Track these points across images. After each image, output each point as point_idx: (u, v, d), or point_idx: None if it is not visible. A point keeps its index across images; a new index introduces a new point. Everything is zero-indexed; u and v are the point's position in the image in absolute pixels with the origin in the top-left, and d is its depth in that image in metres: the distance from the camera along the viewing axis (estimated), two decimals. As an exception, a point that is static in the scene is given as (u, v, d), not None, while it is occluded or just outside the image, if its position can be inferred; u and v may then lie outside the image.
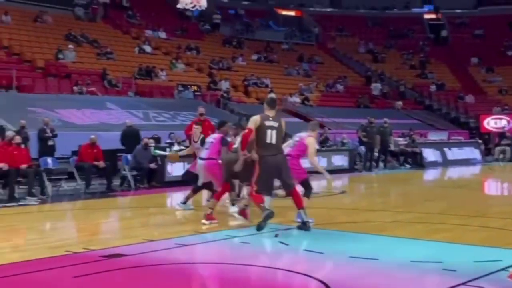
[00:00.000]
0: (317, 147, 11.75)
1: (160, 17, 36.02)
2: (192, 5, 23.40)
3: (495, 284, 5.93)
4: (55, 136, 16.30)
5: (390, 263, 6.87)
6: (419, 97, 37.73)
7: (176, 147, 16.79)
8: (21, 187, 13.45)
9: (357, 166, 22.07)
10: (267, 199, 8.68)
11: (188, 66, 31.59)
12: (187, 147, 16.86)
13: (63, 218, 11.42)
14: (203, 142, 10.85)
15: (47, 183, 13.71)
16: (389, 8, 45.36)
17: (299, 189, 9.41)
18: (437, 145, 25.57)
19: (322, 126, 11.72)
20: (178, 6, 24.48)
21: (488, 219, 10.38)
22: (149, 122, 21.90)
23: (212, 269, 6.71)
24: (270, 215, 8.53)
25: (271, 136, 8.55)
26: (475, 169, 24.24)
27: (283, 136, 9.05)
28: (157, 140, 18.21)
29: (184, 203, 11.30)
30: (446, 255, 7.20)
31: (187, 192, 11.37)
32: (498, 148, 27.71)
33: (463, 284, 5.84)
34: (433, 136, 28.10)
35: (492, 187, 18.92)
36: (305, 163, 9.87)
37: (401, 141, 24.22)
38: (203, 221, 9.34)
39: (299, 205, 8.84)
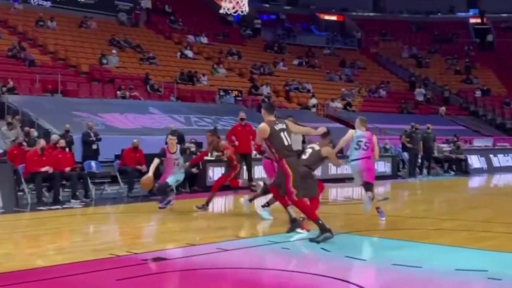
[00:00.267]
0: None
1: (202, 22, 36.29)
2: (234, 10, 23.46)
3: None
4: (99, 140, 16.52)
5: (434, 271, 6.74)
6: (464, 102, 37.13)
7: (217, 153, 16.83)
8: (65, 190, 13.67)
9: (401, 173, 21.79)
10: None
11: (230, 71, 31.74)
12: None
13: (106, 221, 11.56)
14: (182, 153, 11.67)
15: (91, 186, 13.89)
16: (433, 13, 44.79)
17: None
18: (483, 152, 25.09)
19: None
20: (220, 11, 24.62)
21: (536, 227, 10.10)
22: (190, 126, 22.05)
23: (252, 275, 6.69)
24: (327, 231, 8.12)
25: (286, 138, 8.43)
26: (522, 176, 23.69)
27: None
28: (199, 144, 18.30)
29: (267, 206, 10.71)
30: (491, 263, 7.04)
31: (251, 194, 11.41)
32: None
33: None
34: (478, 143, 27.57)
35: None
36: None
37: (446, 147, 23.84)
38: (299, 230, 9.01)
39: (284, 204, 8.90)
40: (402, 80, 39.24)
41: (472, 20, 45.10)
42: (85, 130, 16.66)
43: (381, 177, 19.93)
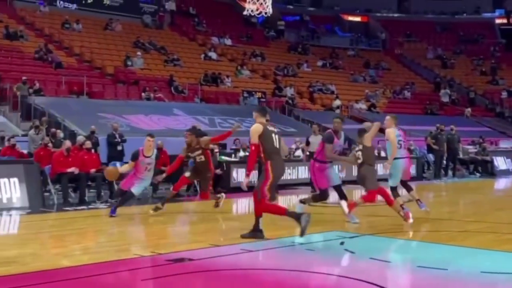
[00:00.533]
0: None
1: (225, 24, 36.41)
2: (257, 12, 23.51)
3: None
4: (124, 141, 16.65)
5: (459, 273, 6.69)
6: (490, 104, 36.73)
7: (241, 153, 16.91)
8: (91, 191, 13.79)
9: (426, 174, 21.62)
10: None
11: (253, 73, 31.79)
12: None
13: (131, 221, 11.63)
14: (157, 158, 11.12)
15: (116, 187, 13.99)
16: (458, 13, 44.38)
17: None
18: (509, 153, 24.80)
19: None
20: (244, 13, 24.70)
21: None
22: (214, 128, 22.11)
23: (277, 276, 6.68)
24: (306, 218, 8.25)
25: (277, 140, 8.41)
26: (549, 179, 23.36)
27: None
28: (223, 146, 18.35)
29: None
30: (519, 266, 6.95)
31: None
32: None
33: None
34: (505, 144, 27.29)
35: None
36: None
37: (471, 149, 23.62)
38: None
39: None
40: (427, 81, 38.95)
41: (498, 21, 44.60)
42: (110, 132, 16.80)
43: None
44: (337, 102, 30.28)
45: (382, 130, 11.13)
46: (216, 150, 16.61)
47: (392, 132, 10.39)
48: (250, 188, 8.52)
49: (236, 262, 7.21)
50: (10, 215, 11.65)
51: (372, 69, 38.03)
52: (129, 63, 26.70)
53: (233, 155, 17.14)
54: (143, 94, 24.17)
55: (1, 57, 24.01)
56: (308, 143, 16.35)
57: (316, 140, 16.23)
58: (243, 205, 14.37)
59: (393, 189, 10.44)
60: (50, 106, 20.32)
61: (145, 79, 25.90)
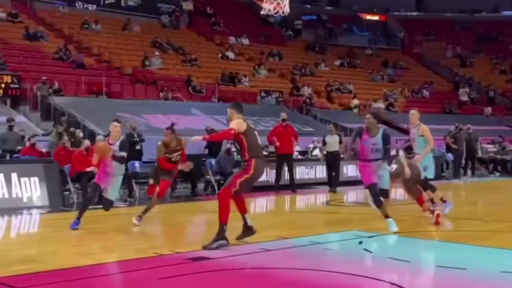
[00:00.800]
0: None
1: (243, 23, 36.43)
2: (275, 11, 23.49)
3: None
4: (142, 140, 16.72)
5: (479, 273, 6.64)
6: (510, 103, 36.36)
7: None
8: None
9: (445, 174, 21.49)
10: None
11: (271, 72, 31.78)
12: (271, 153, 17.01)
13: (150, 220, 11.68)
14: (122, 148, 9.62)
15: (134, 186, 14.08)
16: (477, 11, 43.98)
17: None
18: (529, 153, 24.54)
19: (406, 132, 11.54)
20: (261, 12, 24.69)
21: None
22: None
23: (295, 275, 6.69)
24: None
25: (258, 138, 8.03)
26: None
27: None
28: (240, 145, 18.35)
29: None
30: (540, 266, 6.89)
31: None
32: None
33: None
34: (525, 143, 26.95)
35: None
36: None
37: (491, 148, 23.44)
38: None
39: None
40: (446, 80, 38.68)
41: (518, 19, 44.15)
42: (128, 131, 16.87)
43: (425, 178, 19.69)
44: (355, 102, 30.18)
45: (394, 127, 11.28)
46: (233, 149, 16.63)
47: (428, 129, 10.58)
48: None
49: (254, 261, 7.22)
50: (31, 214, 11.78)
51: (391, 68, 37.84)
52: (147, 63, 26.83)
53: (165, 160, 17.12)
54: (161, 94, 24.28)
55: (21, 57, 24.24)
56: (324, 143, 16.35)
57: (332, 139, 16.24)
58: (260, 204, 14.39)
59: (429, 180, 10.69)
60: (70, 106, 20.48)
61: (163, 79, 26.00)
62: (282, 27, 38.65)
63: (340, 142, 16.22)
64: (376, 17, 44.67)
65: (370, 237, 8.74)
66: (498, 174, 22.68)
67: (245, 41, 34.45)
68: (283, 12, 23.89)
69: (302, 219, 10.53)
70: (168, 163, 10.47)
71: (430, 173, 10.65)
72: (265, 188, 15.87)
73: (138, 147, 16.54)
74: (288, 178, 16.22)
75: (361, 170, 9.24)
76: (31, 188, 12.43)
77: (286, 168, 16.29)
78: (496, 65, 39.80)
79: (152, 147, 16.73)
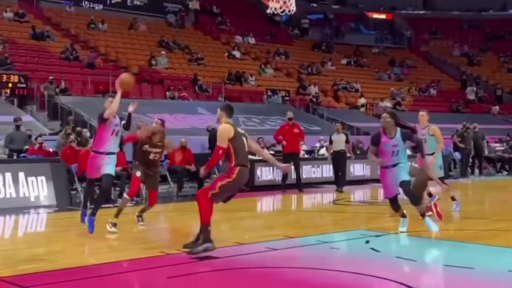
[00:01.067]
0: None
1: (249, 22, 36.43)
2: (281, 10, 23.49)
3: None
4: (149, 139, 16.70)
5: (486, 272, 6.62)
6: (518, 101, 36.26)
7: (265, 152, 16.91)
8: (116, 189, 13.91)
9: (452, 173, 21.44)
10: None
11: (277, 71, 31.76)
12: (277, 152, 17.01)
13: (157, 220, 11.70)
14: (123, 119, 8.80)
15: (141, 185, 14.07)
16: (485, 10, 43.83)
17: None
18: (537, 151, 24.45)
19: (414, 131, 11.67)
20: (268, 11, 24.68)
21: None
22: (238, 127, 22.14)
23: (301, 274, 6.68)
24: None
25: (245, 144, 7.43)
26: None
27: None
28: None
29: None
30: (547, 266, 6.86)
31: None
32: None
33: None
34: (532, 142, 26.84)
35: None
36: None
37: (498, 147, 23.38)
38: None
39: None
40: (453, 78, 38.57)
41: (525, 17, 44.00)
42: (134, 131, 16.88)
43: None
44: (362, 101, 30.13)
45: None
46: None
47: (438, 128, 10.75)
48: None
49: (261, 260, 7.21)
50: (38, 213, 11.82)
51: (397, 66, 37.77)
52: (153, 62, 26.86)
53: (256, 154, 17.14)
54: (167, 93, 24.31)
55: (28, 57, 24.32)
56: (331, 142, 16.32)
57: (339, 138, 16.21)
58: (267, 203, 14.39)
59: (444, 178, 11.15)
60: (76, 105, 20.52)
61: (170, 78, 26.03)
62: (288, 26, 38.62)
63: (347, 141, 16.20)
64: (383, 16, 44.57)
65: (377, 236, 8.72)
66: (505, 173, 22.61)
67: (252, 40, 34.44)
68: (289, 11, 23.91)
69: (309, 218, 10.52)
70: (146, 158, 9.67)
71: (443, 172, 11.15)
72: (272, 187, 15.88)
73: (144, 146, 16.54)
74: (295, 177, 16.21)
75: (382, 179, 8.79)
76: (38, 188, 12.47)
77: (292, 167, 16.28)
78: (504, 64, 39.66)
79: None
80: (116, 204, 12.64)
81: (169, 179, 15.10)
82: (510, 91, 36.83)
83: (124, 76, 9.30)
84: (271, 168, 16.56)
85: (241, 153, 7.32)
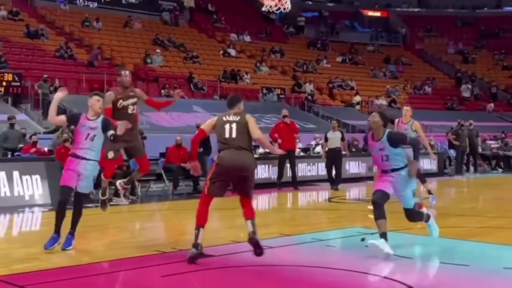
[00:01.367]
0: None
1: (244, 20, 36.40)
2: (276, 8, 23.49)
3: None
4: (144, 138, 16.65)
5: (481, 269, 6.64)
6: (512, 98, 36.35)
7: (261, 150, 16.92)
8: (111, 187, 13.85)
9: (447, 170, 21.48)
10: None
11: (273, 69, 31.75)
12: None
13: (152, 218, 11.70)
14: (106, 126, 7.66)
15: (136, 184, 14.06)
16: (479, 7, 43.92)
17: None
18: (531, 149, 24.52)
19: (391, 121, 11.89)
20: (263, 9, 24.68)
21: None
22: (234, 116, 22.15)
23: (297, 272, 6.68)
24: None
25: (231, 131, 7.03)
26: None
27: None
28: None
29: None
30: (542, 262, 6.87)
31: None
32: None
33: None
34: (527, 139, 26.92)
35: None
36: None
37: (493, 144, 23.42)
38: None
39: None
40: (448, 76, 38.64)
41: (520, 14, 44.10)
42: (130, 129, 16.85)
43: (427, 174, 19.68)
44: (357, 98, 30.15)
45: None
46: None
47: (420, 125, 11.03)
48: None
49: (256, 258, 7.19)
50: (33, 212, 11.78)
51: (392, 64, 37.80)
52: (148, 60, 26.82)
53: (256, 141, 17.15)
54: (162, 91, 24.26)
55: (22, 55, 24.25)
56: (326, 139, 16.31)
57: (334, 136, 16.20)
58: (263, 201, 14.38)
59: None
60: (71, 103, 20.39)
61: (165, 77, 25.99)
62: (283, 23, 38.60)
63: (342, 139, 16.20)
64: (377, 13, 44.59)
65: (372, 234, 8.70)
66: (500, 170, 22.66)
67: (247, 38, 34.42)
68: (284, 9, 23.93)
69: (304, 216, 10.52)
70: (126, 114, 8.32)
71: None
72: (267, 185, 15.87)
73: (140, 144, 16.53)
74: (290, 175, 16.20)
75: (375, 182, 7.91)
76: (32, 186, 12.43)
77: (288, 165, 16.28)
78: (499, 61, 39.74)
79: (154, 145, 16.80)
80: (110, 203, 12.62)
81: (165, 177, 15.07)
82: (505, 89, 36.91)
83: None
84: (266, 166, 16.55)
85: (221, 139, 7.08)
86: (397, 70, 37.18)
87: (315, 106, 28.04)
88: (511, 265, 6.66)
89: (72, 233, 7.63)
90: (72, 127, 8.69)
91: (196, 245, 6.78)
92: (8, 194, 12.10)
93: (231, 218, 11.15)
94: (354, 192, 16.32)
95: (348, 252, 7.92)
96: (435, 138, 23.06)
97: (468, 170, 21.30)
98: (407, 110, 11.56)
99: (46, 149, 14.87)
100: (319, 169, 18.01)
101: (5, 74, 20.76)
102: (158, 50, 27.69)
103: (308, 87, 29.71)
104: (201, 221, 6.95)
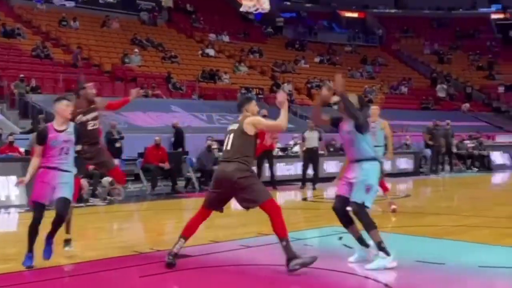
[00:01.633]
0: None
1: (223, 20, 36.38)
2: (255, 9, 23.50)
3: None
4: (122, 138, 16.67)
5: (457, 268, 6.73)
6: (487, 99, 36.77)
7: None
8: (90, 188, 13.80)
9: (423, 169, 21.69)
10: None
11: (251, 69, 31.78)
12: None
13: (130, 218, 11.67)
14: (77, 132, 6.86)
15: (115, 184, 14.01)
16: (455, 9, 44.41)
17: None
18: (505, 148, 24.92)
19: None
20: (241, 9, 24.68)
21: (561, 224, 10.01)
22: (213, 124, 22.16)
23: (275, 271, 6.72)
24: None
25: (227, 142, 6.83)
26: (546, 173, 23.45)
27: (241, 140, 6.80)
28: (221, 142, 18.35)
29: None
30: (516, 260, 7.00)
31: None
32: None
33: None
34: (501, 139, 27.38)
35: None
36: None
37: (468, 143, 23.69)
38: None
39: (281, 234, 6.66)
40: (424, 76, 39.00)
41: (494, 16, 44.66)
42: (108, 129, 16.81)
43: (403, 173, 19.90)
44: (335, 98, 30.20)
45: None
46: (214, 146, 16.64)
47: (389, 125, 11.07)
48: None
49: (235, 258, 7.24)
50: (9, 213, 11.69)
51: (369, 65, 38.06)
52: (126, 60, 26.70)
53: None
54: (141, 91, 24.15)
55: (-2, 55, 24.00)
56: (304, 139, 16.37)
57: (312, 135, 16.28)
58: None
59: None
60: (48, 103, 20.20)
61: (143, 76, 25.90)
62: (262, 24, 38.66)
63: (320, 138, 16.28)
64: (355, 14, 44.87)
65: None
66: (475, 169, 22.92)
67: (226, 38, 34.41)
68: (263, 9, 23.92)
69: (289, 215, 10.54)
70: (85, 130, 7.56)
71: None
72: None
73: (118, 144, 16.50)
74: (269, 174, 16.24)
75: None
76: (9, 187, 12.31)
77: (267, 165, 16.32)
78: (473, 62, 40.23)
79: (132, 145, 16.77)
80: (88, 204, 12.59)
81: (143, 177, 15.03)
82: (479, 89, 37.36)
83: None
84: (219, 173, 16.57)
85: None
86: (373, 70, 37.45)
87: (294, 106, 28.12)
88: (486, 264, 6.75)
89: (52, 242, 6.83)
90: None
91: (169, 253, 6.60)
92: (-16, 194, 11.99)
93: (210, 218, 11.16)
94: (331, 191, 16.40)
95: (325, 251, 7.98)
96: (411, 137, 23.30)
97: (443, 169, 21.53)
98: (374, 109, 11.64)
99: (22, 149, 14.75)
100: (298, 168, 18.08)
101: (-19, 73, 20.55)
102: (136, 50, 27.58)
103: (286, 87, 29.79)
104: (185, 232, 6.80)
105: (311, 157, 16.26)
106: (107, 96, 22.95)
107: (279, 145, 19.20)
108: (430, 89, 36.59)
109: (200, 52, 31.21)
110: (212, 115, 23.08)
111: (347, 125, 7.06)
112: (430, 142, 21.18)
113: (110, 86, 24.44)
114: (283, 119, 6.95)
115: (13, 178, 12.33)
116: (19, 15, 28.67)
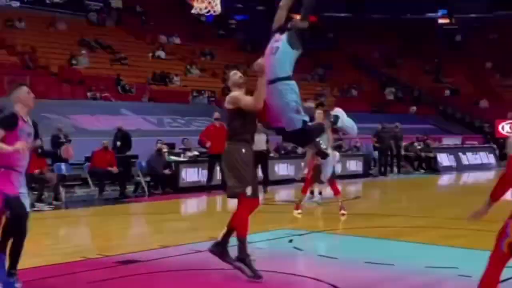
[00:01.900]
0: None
1: (174, 22, 36.11)
2: (206, 10, 23.39)
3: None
4: (69, 141, 16.33)
5: (405, 268, 6.82)
6: (434, 102, 37.56)
7: (190, 153, 16.87)
8: (34, 193, 13.47)
9: (372, 171, 21.98)
10: None
11: (203, 72, 31.64)
12: (202, 153, 16.89)
13: (77, 224, 11.44)
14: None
15: (61, 189, 13.73)
16: (403, 13, 45.22)
17: None
18: (452, 150, 25.45)
19: (336, 131, 12.06)
20: (192, 11, 24.52)
21: (505, 224, 10.24)
22: (163, 128, 21.96)
23: (225, 275, 6.68)
24: None
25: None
26: (490, 174, 24.00)
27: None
28: (171, 146, 18.23)
29: None
30: (462, 261, 7.12)
31: None
32: (513, 153, 27.43)
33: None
34: (448, 141, 27.97)
35: (507, 193, 18.70)
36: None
37: (416, 145, 24.11)
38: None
39: None
40: (373, 80, 39.57)
41: (440, 21, 45.66)
42: (54, 132, 16.46)
43: (353, 175, 20.11)
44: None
45: None
46: (165, 149, 16.49)
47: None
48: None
49: (185, 263, 7.16)
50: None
51: (320, 68, 38.38)
52: (74, 62, 26.21)
53: (182, 155, 17.05)
54: (88, 93, 23.76)
55: None
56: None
57: (259, 138, 16.24)
58: (192, 205, 14.32)
59: None
60: (-7, 106, 19.79)
61: (91, 78, 25.46)
62: (214, 26, 38.56)
63: (267, 141, 16.26)
64: (306, 18, 45.19)
65: (300, 235, 8.82)
66: (423, 171, 23.34)
67: (177, 40, 34.15)
68: (214, 11, 23.86)
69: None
70: None
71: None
72: (196, 189, 15.80)
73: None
74: (220, 178, 16.17)
75: None
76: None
77: (218, 168, 16.25)
78: (421, 66, 41.02)
79: (79, 148, 16.38)
80: (34, 209, 12.27)
81: (90, 181, 14.76)
82: (427, 92, 38.11)
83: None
84: (195, 169, 16.48)
85: None
86: (324, 73, 37.78)
87: (245, 109, 28.16)
88: (433, 264, 6.86)
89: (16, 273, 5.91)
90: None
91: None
92: None
93: (159, 222, 11.05)
94: (282, 194, 16.46)
95: (276, 253, 7.98)
96: (361, 140, 23.57)
97: (392, 171, 21.86)
98: (319, 113, 11.76)
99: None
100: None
101: None
102: (83, 51, 27.08)
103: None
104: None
105: (259, 160, 16.25)
106: (53, 99, 22.58)
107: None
108: (380, 92, 37.14)
109: (150, 54, 30.91)
110: (163, 118, 22.87)
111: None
112: (377, 145, 21.51)
113: (56, 88, 23.97)
114: (256, 95, 6.54)
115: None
116: (-38, 15, 27.88)
